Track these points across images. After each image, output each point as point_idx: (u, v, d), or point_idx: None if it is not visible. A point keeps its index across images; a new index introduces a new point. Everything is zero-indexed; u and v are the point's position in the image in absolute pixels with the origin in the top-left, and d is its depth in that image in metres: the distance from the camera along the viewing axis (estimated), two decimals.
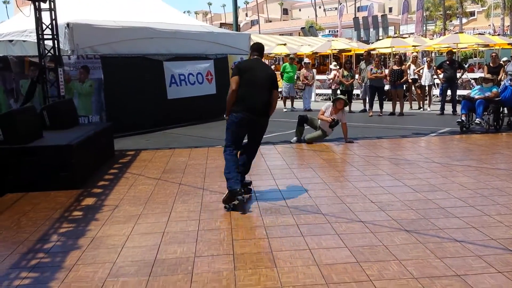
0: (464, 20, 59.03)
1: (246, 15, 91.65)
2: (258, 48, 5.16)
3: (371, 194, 5.05)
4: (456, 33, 23.59)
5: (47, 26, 8.13)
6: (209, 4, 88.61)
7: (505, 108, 9.38)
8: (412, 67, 13.60)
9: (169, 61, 10.78)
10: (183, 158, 7.36)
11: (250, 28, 77.01)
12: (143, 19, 10.78)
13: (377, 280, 3.05)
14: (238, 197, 4.56)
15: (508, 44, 22.51)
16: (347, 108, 11.31)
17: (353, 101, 13.59)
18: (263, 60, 5.40)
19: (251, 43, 13.64)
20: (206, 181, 5.91)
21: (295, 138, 8.46)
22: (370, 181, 5.62)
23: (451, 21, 58.15)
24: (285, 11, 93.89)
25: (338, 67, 14.95)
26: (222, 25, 21.67)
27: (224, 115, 4.92)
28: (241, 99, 4.73)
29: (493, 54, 12.00)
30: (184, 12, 77.55)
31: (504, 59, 12.98)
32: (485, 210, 4.38)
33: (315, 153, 7.59)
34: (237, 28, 15.86)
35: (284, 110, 13.92)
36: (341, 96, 8.80)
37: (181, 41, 11.11)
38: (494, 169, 6.08)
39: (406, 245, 3.60)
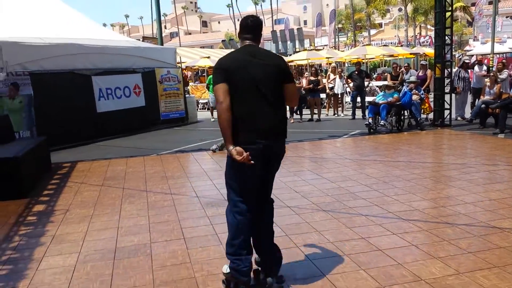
0: (373, 32, 63.60)
1: (165, 27, 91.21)
2: (249, 27, 3.15)
3: (295, 186, 5.90)
4: (364, 45, 25.78)
5: None
6: (127, 16, 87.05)
7: (406, 111, 10.83)
8: (332, 76, 14.95)
9: (97, 75, 11.07)
10: (121, 167, 7.78)
11: (170, 40, 76.98)
12: (69, 34, 10.98)
13: (302, 246, 3.86)
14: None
15: (410, 53, 25.08)
16: None
17: None
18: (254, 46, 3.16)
19: (177, 57, 14.35)
20: (148, 184, 6.43)
21: (215, 146, 8.81)
22: (294, 176, 6.50)
23: (361, 32, 62.37)
24: (204, 24, 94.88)
25: None
26: (144, 38, 21.95)
27: (225, 148, 3.02)
28: (244, 118, 2.96)
29: (394, 65, 13.65)
30: (104, 25, 75.51)
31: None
32: (386, 192, 5.40)
33: None
34: (162, 42, 16.33)
35: (212, 120, 14.62)
36: None
37: (108, 56, 11.45)
38: (395, 162, 7.24)
39: (324, 221, 4.47)
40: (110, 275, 3.48)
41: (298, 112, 13.42)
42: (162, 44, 16.23)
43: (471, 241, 3.79)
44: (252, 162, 2.91)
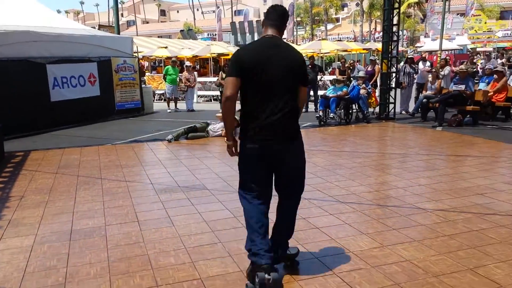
0: (331, 26, 64.78)
1: (122, 15, 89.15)
2: (276, 12, 3.07)
3: None
4: (320, 40, 26.46)
5: None
6: (82, 3, 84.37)
7: (354, 104, 11.41)
8: None
9: (52, 64, 10.97)
10: (76, 156, 7.87)
11: (127, 29, 75.37)
12: (24, 22, 10.80)
13: None
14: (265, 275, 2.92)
15: (363, 49, 25.99)
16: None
17: None
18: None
19: (134, 47, 14.32)
20: (103, 172, 6.60)
21: (170, 136, 9.03)
22: None
23: (319, 27, 63.42)
24: (162, 13, 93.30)
25: None
26: (100, 27, 21.55)
27: (226, 140, 3.14)
28: (251, 115, 2.98)
29: (342, 60, 14.26)
30: (58, 12, 73.03)
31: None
32: (328, 179, 5.84)
33: (199, 146, 8.66)
34: (119, 30, 16.20)
35: (168, 111, 14.74)
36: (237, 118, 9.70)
37: (64, 44, 11.34)
38: (340, 152, 7.74)
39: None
40: (67, 254, 3.71)
41: None
42: (118, 33, 16.13)
43: (397, 220, 4.28)
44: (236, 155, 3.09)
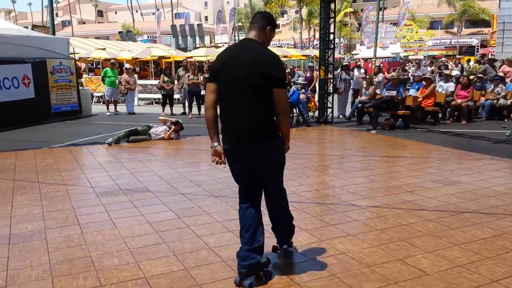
0: None
1: (57, 15, 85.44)
2: (255, 16, 3.21)
3: (190, 176, 6.32)
4: None
5: None
6: (13, 1, 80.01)
7: (294, 109, 11.75)
8: None
9: None
10: (11, 160, 7.56)
11: (62, 29, 72.31)
12: None
13: (193, 225, 4.30)
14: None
15: (303, 55, 26.75)
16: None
17: (174, 104, 14.78)
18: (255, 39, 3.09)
19: (70, 48, 13.89)
20: (40, 176, 6.39)
21: (110, 139, 8.87)
22: (190, 167, 6.90)
23: None
24: (100, 13, 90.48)
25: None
26: (34, 27, 20.68)
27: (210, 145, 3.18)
28: (221, 117, 3.13)
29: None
30: None
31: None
32: None
33: (141, 149, 8.58)
34: (54, 31, 15.64)
35: (108, 114, 14.40)
36: (180, 121, 9.76)
37: None
38: None
39: (213, 205, 4.96)
40: (6, 258, 3.61)
41: (197, 108, 13.78)
42: (53, 34, 15.57)
43: (334, 216, 4.53)
44: (223, 164, 3.15)
